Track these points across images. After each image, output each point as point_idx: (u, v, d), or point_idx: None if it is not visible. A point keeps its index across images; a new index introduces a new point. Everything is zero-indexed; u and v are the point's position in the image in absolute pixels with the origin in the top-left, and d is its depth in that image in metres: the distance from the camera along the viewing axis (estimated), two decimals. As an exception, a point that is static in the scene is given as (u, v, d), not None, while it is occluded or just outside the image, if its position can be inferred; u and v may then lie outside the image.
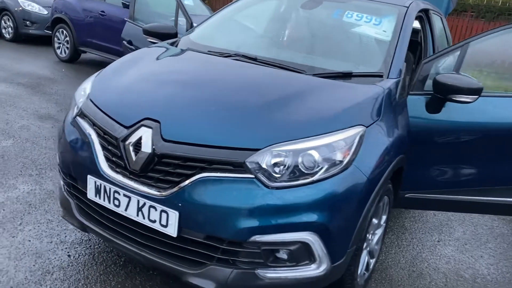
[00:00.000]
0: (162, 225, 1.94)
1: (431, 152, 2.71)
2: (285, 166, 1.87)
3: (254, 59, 2.62)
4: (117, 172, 2.04)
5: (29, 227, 2.72)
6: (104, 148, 2.10)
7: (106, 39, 7.44)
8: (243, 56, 2.65)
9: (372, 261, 2.58)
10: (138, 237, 2.04)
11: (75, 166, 2.23)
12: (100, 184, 2.08)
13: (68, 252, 2.55)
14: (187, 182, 1.88)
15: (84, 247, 2.62)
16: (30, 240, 2.60)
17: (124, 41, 4.19)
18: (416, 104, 2.62)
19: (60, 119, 4.77)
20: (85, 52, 7.97)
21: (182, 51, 2.80)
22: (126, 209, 2.02)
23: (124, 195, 2.01)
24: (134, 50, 3.84)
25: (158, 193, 1.93)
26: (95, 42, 7.63)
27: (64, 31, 8.02)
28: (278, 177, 1.86)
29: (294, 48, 2.86)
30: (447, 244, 3.31)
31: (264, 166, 1.85)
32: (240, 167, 1.86)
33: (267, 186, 1.84)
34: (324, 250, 1.90)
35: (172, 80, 2.37)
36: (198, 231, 1.92)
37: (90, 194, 2.13)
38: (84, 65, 8.07)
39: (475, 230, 3.58)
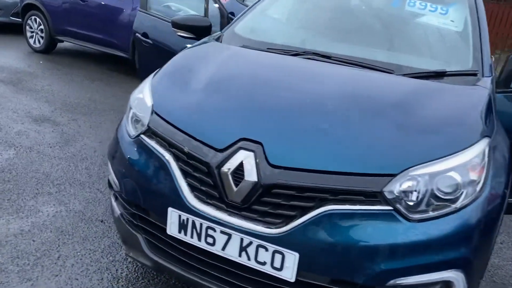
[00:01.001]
0: (275, 268, 1.61)
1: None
2: (420, 192, 1.58)
3: (328, 57, 2.29)
4: (209, 204, 1.69)
5: (71, 261, 2.32)
6: (188, 175, 1.74)
7: (86, 27, 6.83)
8: (314, 53, 2.32)
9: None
10: (239, 281, 1.71)
11: (147, 196, 1.86)
12: (187, 219, 1.72)
13: (125, 290, 2.18)
14: (307, 217, 1.56)
15: (144, 283, 2.25)
16: (77, 279, 2.20)
17: (137, 34, 3.72)
18: (504, 104, 2.38)
19: (58, 121, 4.27)
20: (62, 41, 7.32)
21: (242, 49, 2.42)
22: (223, 249, 1.68)
23: (222, 232, 1.66)
24: (151, 44, 3.43)
25: (269, 230, 1.60)
26: (74, 31, 6.99)
27: (38, 19, 7.30)
28: (417, 206, 1.57)
29: (364, 43, 2.53)
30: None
31: (402, 195, 1.56)
32: (373, 197, 1.55)
33: (407, 219, 1.54)
34: (466, 287, 1.64)
35: (256, 89, 2.01)
36: (321, 274, 1.61)
37: (172, 229, 1.77)
38: (62, 56, 7.42)
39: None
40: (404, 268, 1.55)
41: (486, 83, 2.16)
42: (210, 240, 1.70)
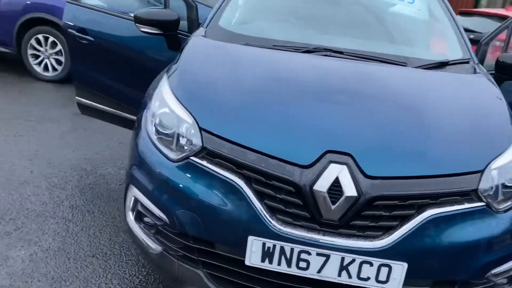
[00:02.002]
0: (379, 282, 1.56)
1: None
2: (496, 185, 1.66)
3: (341, 53, 2.24)
4: (299, 227, 1.55)
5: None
6: (266, 197, 1.56)
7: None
8: (326, 50, 2.25)
9: None
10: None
11: (213, 227, 1.63)
12: (273, 246, 1.55)
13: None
14: (411, 224, 1.53)
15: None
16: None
17: (70, 30, 3.15)
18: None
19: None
20: None
21: (257, 49, 2.22)
22: (319, 271, 1.56)
23: (318, 254, 1.54)
24: (92, 42, 2.98)
25: (372, 243, 1.53)
26: None
27: None
28: (496, 198, 1.65)
29: (362, 36, 2.51)
30: None
31: (489, 189, 1.62)
32: (467, 195, 1.59)
33: (496, 211, 1.62)
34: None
35: (312, 96, 1.86)
36: (425, 278, 1.60)
37: (253, 260, 1.58)
38: None
39: None
40: (499, 258, 1.63)
41: (483, 70, 2.34)
42: (303, 264, 1.56)
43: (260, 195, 1.56)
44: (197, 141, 1.67)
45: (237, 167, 1.59)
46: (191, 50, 2.22)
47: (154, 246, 1.80)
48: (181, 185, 1.66)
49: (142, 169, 1.80)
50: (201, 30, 2.47)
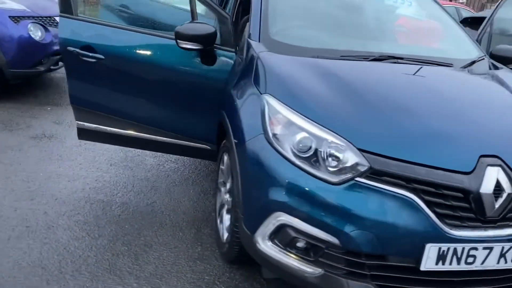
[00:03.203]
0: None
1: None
2: None
3: (401, 59, 2.44)
4: (466, 227, 1.73)
5: None
6: (435, 206, 1.70)
7: None
8: (389, 56, 2.43)
9: None
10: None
11: (388, 241, 1.71)
12: (447, 249, 1.71)
13: None
14: None
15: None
16: None
17: (70, 48, 2.72)
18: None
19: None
20: None
21: (345, 62, 2.31)
22: (482, 263, 1.77)
23: (484, 248, 1.74)
24: (102, 61, 2.71)
25: None
26: None
27: None
28: None
29: (394, 39, 2.72)
30: None
31: None
32: None
33: None
34: None
35: (427, 104, 2.02)
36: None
37: (428, 264, 1.72)
38: None
39: None
40: None
41: (498, 64, 2.75)
42: (470, 259, 1.74)
43: (429, 205, 1.69)
44: (358, 161, 1.71)
45: (406, 182, 1.69)
46: (279, 67, 2.20)
47: (310, 269, 1.81)
48: (352, 207, 1.70)
49: (293, 195, 1.78)
50: (258, 45, 2.43)
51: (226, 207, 2.46)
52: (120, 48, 2.75)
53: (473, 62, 2.65)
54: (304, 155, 1.81)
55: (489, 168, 1.73)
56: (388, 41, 2.74)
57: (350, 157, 1.74)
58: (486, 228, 1.74)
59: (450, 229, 1.70)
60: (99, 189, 3.14)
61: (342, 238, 1.72)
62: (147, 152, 3.69)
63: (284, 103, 1.95)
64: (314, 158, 1.79)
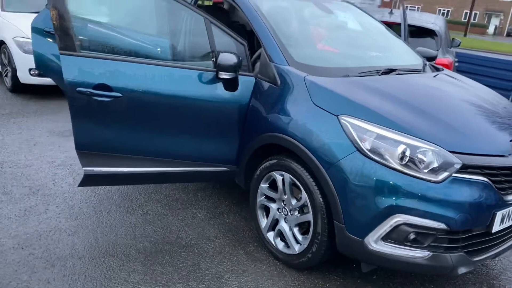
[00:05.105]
0: None
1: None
2: None
3: (395, 70, 2.99)
4: (512, 193, 2.39)
5: None
6: (496, 183, 2.31)
7: None
8: (390, 69, 2.95)
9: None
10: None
11: (478, 217, 2.25)
12: (507, 212, 2.35)
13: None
14: None
15: None
16: None
17: (81, 89, 2.28)
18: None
19: None
20: None
21: (381, 78, 2.80)
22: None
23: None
24: (119, 99, 2.59)
25: None
26: None
27: None
28: None
29: (371, 49, 3.24)
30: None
31: None
32: None
33: None
34: None
35: (454, 106, 2.62)
36: None
37: (495, 227, 2.32)
38: None
39: None
40: None
41: (436, 66, 3.56)
42: (516, 216, 2.42)
43: (494, 183, 2.28)
44: (453, 161, 2.19)
45: (481, 170, 2.25)
46: (336, 88, 2.50)
47: (421, 254, 2.24)
48: (454, 197, 2.18)
49: (406, 197, 2.17)
50: (293, 70, 2.65)
51: (283, 221, 2.67)
52: (139, 83, 2.60)
53: (424, 66, 3.37)
54: (404, 163, 2.19)
55: (520, 148, 2.41)
56: (376, 55, 3.28)
57: (445, 158, 2.20)
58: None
59: (506, 197, 2.32)
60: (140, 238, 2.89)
61: (451, 223, 2.18)
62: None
63: (367, 121, 2.29)
64: (412, 163, 2.19)
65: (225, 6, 4.25)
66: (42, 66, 3.62)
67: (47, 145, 4.40)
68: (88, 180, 2.75)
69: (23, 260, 2.58)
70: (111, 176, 2.79)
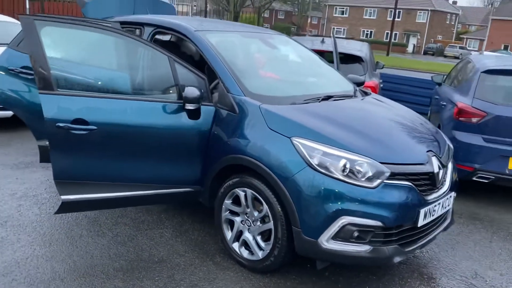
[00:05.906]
0: None
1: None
2: None
3: (332, 96, 3.52)
4: (431, 193, 2.95)
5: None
6: (418, 186, 2.86)
7: None
8: (328, 96, 3.47)
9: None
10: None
11: (405, 214, 2.78)
12: (428, 209, 2.90)
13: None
14: None
15: None
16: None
17: (61, 124, 2.50)
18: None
19: None
20: None
21: (321, 104, 3.34)
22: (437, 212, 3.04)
23: (438, 203, 3.01)
24: (94, 131, 2.90)
25: None
26: None
27: None
28: None
29: (311, 79, 3.77)
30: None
31: None
32: None
33: None
34: None
35: (383, 123, 3.15)
36: None
37: (420, 222, 2.86)
38: None
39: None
40: None
41: (366, 90, 4.16)
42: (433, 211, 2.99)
43: (416, 186, 2.83)
44: (384, 170, 2.70)
45: (405, 176, 2.79)
46: (286, 114, 2.96)
47: (363, 249, 2.72)
48: (387, 199, 2.70)
49: (349, 202, 2.65)
50: (248, 100, 3.08)
51: (247, 232, 3.06)
52: (112, 116, 2.91)
53: (355, 91, 3.95)
54: (345, 174, 2.68)
55: (433, 157, 2.99)
56: (315, 81, 3.80)
57: (377, 168, 2.71)
58: (437, 191, 3.00)
59: (426, 197, 2.88)
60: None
61: (386, 220, 2.69)
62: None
63: (314, 141, 2.76)
64: (352, 174, 2.68)
65: (179, 41, 4.64)
66: (4, 100, 3.82)
67: (3, 178, 4.48)
68: (66, 207, 2.98)
69: (7, 286, 2.76)
70: (87, 202, 3.04)
